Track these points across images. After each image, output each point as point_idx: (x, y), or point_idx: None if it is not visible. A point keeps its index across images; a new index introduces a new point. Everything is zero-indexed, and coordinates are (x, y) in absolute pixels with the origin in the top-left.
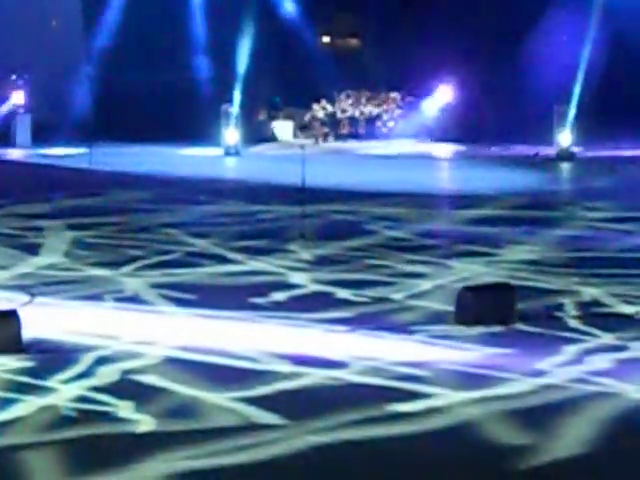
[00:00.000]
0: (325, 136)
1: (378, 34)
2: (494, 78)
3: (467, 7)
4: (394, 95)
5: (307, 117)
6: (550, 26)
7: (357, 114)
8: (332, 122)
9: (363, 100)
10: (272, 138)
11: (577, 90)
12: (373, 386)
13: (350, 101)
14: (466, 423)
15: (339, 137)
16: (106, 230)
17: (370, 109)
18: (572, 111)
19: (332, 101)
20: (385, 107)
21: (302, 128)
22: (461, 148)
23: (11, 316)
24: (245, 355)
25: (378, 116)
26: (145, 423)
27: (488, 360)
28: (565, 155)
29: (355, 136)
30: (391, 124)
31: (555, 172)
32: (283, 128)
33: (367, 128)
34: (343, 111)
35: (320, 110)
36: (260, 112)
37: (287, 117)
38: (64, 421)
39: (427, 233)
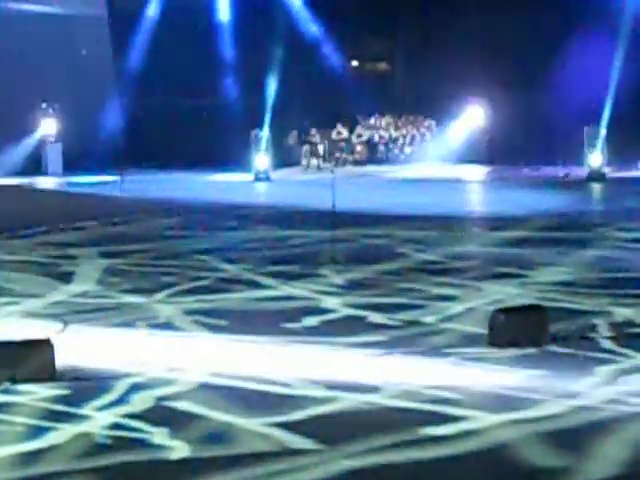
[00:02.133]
0: (339, 161)
1: (407, 58)
2: (524, 99)
3: (496, 29)
4: (418, 118)
5: (304, 142)
6: (579, 47)
7: (376, 138)
8: (347, 147)
9: (383, 124)
10: (298, 162)
11: (607, 110)
12: (407, 410)
13: (369, 125)
14: (500, 445)
15: (357, 162)
16: (138, 257)
17: (390, 133)
18: (602, 131)
19: (353, 125)
20: (405, 131)
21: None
22: (491, 170)
23: (44, 344)
24: (278, 380)
25: (396, 140)
26: (179, 449)
27: (521, 382)
28: (596, 176)
29: (372, 161)
30: (408, 149)
31: (586, 193)
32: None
33: (386, 152)
34: (358, 136)
35: (316, 136)
36: (290, 136)
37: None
38: (98, 448)
39: (458, 256)
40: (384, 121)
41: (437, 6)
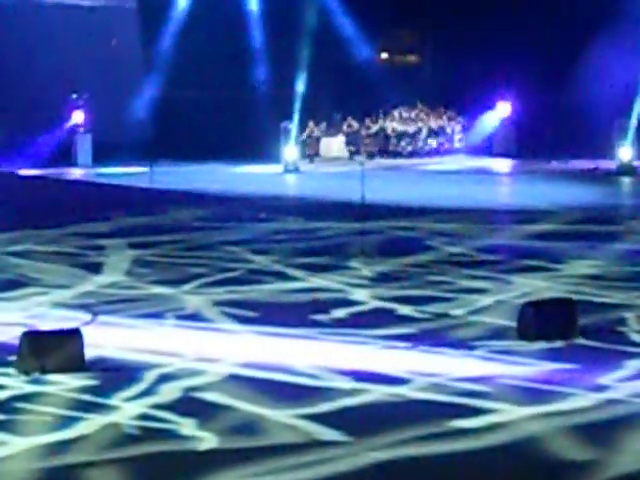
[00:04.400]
0: (351, 153)
1: (436, 50)
2: (553, 92)
3: (525, 22)
4: (440, 111)
5: (304, 135)
6: (609, 40)
7: (389, 131)
8: (356, 140)
9: (397, 116)
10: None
11: (638, 103)
12: (435, 402)
13: (384, 118)
14: (529, 438)
15: (370, 155)
16: (167, 248)
17: (405, 126)
18: (633, 125)
19: (367, 118)
20: (420, 124)
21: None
22: (520, 163)
23: (74, 335)
24: (307, 372)
25: (405, 132)
26: (208, 440)
27: (550, 375)
28: (626, 169)
29: (383, 153)
30: (420, 142)
31: (616, 186)
32: (338, 143)
33: (398, 144)
34: (367, 128)
35: (313, 129)
36: (319, 128)
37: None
38: (127, 439)
39: (487, 248)
40: (403, 114)
41: None
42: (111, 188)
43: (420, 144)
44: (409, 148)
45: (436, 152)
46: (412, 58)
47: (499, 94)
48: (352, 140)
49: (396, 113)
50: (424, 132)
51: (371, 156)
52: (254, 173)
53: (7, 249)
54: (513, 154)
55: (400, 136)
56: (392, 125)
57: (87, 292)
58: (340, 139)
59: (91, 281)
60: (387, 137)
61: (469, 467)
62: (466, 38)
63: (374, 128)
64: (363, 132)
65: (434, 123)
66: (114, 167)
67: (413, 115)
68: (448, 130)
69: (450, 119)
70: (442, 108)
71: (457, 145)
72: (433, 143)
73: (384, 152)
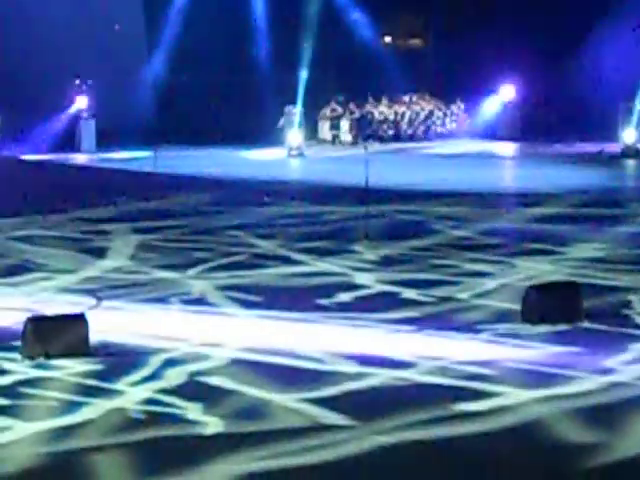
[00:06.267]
0: (334, 138)
1: (440, 34)
2: (558, 75)
3: (529, 5)
4: (428, 97)
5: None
6: (614, 22)
7: (377, 115)
8: (337, 124)
9: (385, 102)
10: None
11: None
12: (440, 386)
13: (375, 102)
14: (534, 422)
15: (354, 139)
16: (171, 233)
17: (389, 111)
18: (637, 107)
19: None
20: (405, 109)
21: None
22: (523, 146)
23: (79, 319)
24: (311, 356)
25: (387, 118)
26: (213, 425)
27: (555, 358)
28: (630, 152)
29: (366, 138)
30: (403, 126)
31: (620, 169)
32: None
33: (378, 130)
34: (351, 113)
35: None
36: (322, 112)
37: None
38: (132, 423)
39: (492, 232)
40: (413, 98)
41: None
42: (115, 173)
43: (405, 128)
44: (390, 132)
45: (425, 137)
46: (415, 42)
47: (503, 78)
48: (336, 125)
49: (384, 98)
50: (408, 117)
51: (355, 140)
52: (258, 157)
53: (12, 234)
54: (517, 137)
55: (384, 121)
56: (378, 109)
57: (92, 277)
58: (344, 123)
59: (96, 266)
60: (371, 122)
61: (474, 450)
62: (470, 22)
63: (358, 113)
64: (347, 116)
65: (427, 108)
66: (118, 152)
67: (410, 99)
68: (440, 114)
69: (447, 104)
70: (428, 94)
71: (448, 128)
72: (420, 128)
73: (370, 136)
